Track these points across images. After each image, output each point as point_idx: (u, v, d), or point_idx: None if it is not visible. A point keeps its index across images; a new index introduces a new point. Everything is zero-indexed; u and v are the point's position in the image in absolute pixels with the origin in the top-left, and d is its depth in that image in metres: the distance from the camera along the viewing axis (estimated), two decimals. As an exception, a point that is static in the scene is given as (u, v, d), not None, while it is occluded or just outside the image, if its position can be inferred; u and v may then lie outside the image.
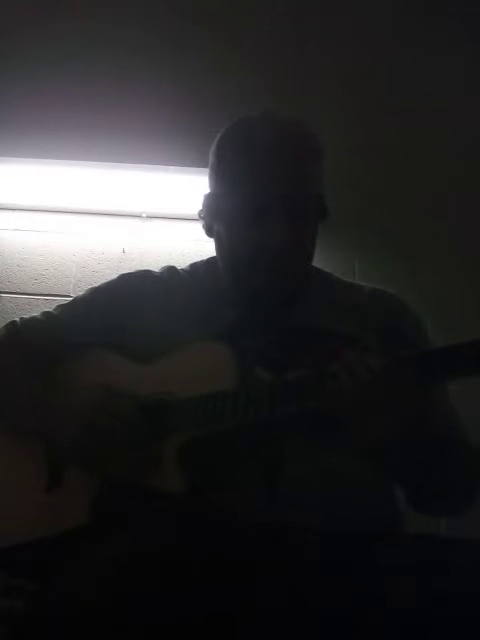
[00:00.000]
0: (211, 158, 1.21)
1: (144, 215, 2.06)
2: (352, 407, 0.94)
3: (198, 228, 1.27)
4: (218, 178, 1.19)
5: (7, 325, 1.28)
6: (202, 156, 1.26)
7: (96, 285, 1.32)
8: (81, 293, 1.33)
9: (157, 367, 1.13)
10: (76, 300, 1.32)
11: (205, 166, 1.24)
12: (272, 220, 1.12)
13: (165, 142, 2.01)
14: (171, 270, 1.31)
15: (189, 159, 1.87)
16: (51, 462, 1.13)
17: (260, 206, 1.12)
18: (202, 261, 1.33)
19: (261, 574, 0.83)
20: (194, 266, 1.33)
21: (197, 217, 1.26)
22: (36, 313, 1.30)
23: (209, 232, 1.24)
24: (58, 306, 1.31)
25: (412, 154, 2.08)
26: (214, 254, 1.27)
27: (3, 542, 1.07)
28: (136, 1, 2.18)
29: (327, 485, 1.01)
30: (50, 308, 1.31)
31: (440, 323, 1.49)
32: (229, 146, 1.16)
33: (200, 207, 1.24)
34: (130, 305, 1.23)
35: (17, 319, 1.29)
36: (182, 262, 1.34)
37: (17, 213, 2.05)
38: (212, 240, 1.25)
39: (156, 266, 1.33)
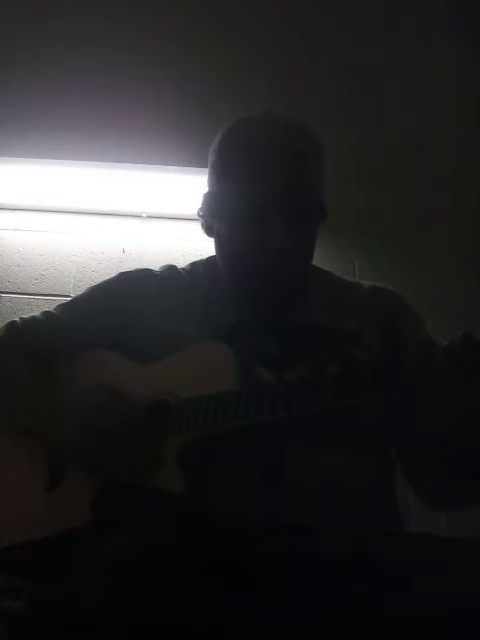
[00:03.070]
0: (211, 156, 1.20)
1: (144, 215, 2.06)
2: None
3: (198, 228, 1.26)
4: (218, 177, 1.19)
5: (7, 325, 1.27)
6: (202, 156, 1.26)
7: (96, 284, 1.32)
8: (81, 292, 1.33)
9: (157, 367, 1.13)
10: (76, 299, 1.32)
11: (205, 166, 1.23)
12: (272, 221, 1.11)
13: (165, 142, 2.01)
14: (171, 269, 1.31)
15: (189, 159, 1.87)
16: (51, 462, 1.13)
17: (260, 207, 1.12)
18: (202, 260, 1.33)
19: (261, 574, 0.83)
20: (194, 265, 1.33)
21: (197, 217, 1.26)
22: (36, 313, 1.30)
23: (209, 231, 1.24)
24: (58, 306, 1.31)
25: (412, 154, 2.08)
26: (214, 254, 1.27)
27: (3, 542, 1.07)
28: (136, 1, 2.17)
29: (328, 486, 1.01)
30: (50, 308, 1.31)
31: (440, 323, 1.48)
32: (230, 145, 1.16)
33: (200, 206, 1.24)
34: (130, 304, 1.23)
35: (17, 319, 1.29)
36: (182, 262, 1.34)
37: (17, 213, 2.05)
38: (212, 240, 1.25)
39: (156, 266, 1.33)
